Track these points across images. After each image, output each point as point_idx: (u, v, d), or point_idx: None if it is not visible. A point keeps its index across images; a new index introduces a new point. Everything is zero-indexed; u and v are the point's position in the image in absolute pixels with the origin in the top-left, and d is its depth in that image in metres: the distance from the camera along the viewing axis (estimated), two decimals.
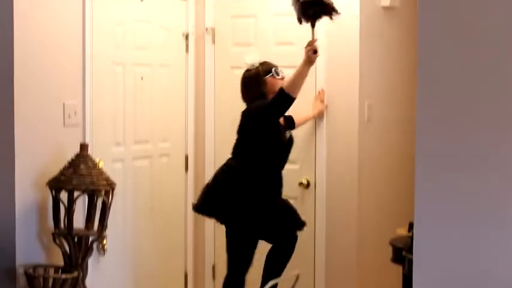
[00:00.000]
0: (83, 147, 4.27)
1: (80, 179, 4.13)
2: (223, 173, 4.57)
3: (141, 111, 5.05)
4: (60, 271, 4.18)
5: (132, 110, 4.98)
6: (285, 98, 4.32)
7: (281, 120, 4.62)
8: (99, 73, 4.67)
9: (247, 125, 4.54)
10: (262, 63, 4.58)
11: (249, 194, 4.46)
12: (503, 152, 2.35)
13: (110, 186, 4.24)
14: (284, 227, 4.60)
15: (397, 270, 4.13)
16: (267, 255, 4.60)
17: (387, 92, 5.23)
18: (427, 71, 2.44)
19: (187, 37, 5.40)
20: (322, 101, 4.98)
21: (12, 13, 4.07)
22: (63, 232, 4.18)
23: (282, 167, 4.64)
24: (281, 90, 4.34)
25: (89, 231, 4.26)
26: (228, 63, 5.34)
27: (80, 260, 4.20)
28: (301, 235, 4.79)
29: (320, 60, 4.84)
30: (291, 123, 4.76)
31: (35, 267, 4.12)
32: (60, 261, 4.24)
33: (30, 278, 4.05)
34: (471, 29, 2.37)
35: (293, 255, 4.60)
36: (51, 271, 4.19)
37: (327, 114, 4.99)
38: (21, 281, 4.10)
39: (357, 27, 4.88)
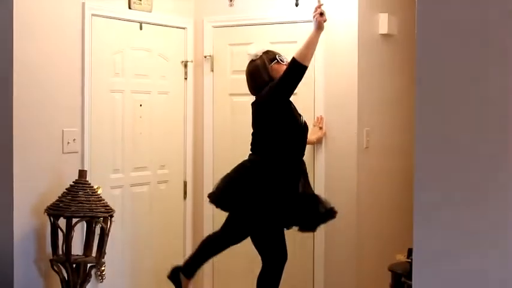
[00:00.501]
0: (82, 173, 4.28)
1: (78, 205, 4.13)
2: (243, 168, 4.43)
3: (140, 138, 5.07)
4: None
5: (131, 137, 5.00)
6: (298, 67, 4.22)
7: None
8: (98, 100, 4.69)
9: (262, 112, 4.42)
10: (266, 52, 4.52)
11: (270, 185, 4.33)
12: (503, 187, 2.34)
13: (109, 213, 4.24)
14: (309, 215, 4.41)
15: None
16: (257, 279, 4.51)
17: (386, 119, 5.24)
18: (424, 97, 2.45)
19: (186, 65, 5.42)
20: (320, 128, 4.99)
21: (13, 42, 4.11)
22: (61, 259, 4.17)
23: (303, 152, 4.50)
24: (293, 59, 4.25)
25: (87, 258, 4.25)
26: (226, 90, 5.36)
27: (78, 287, 4.18)
28: (300, 265, 4.77)
29: (319, 87, 4.88)
30: None
31: None
32: None
33: None
34: (469, 55, 2.38)
35: None
36: None
37: (325, 141, 5.01)
38: None
39: (355, 55, 4.91)
